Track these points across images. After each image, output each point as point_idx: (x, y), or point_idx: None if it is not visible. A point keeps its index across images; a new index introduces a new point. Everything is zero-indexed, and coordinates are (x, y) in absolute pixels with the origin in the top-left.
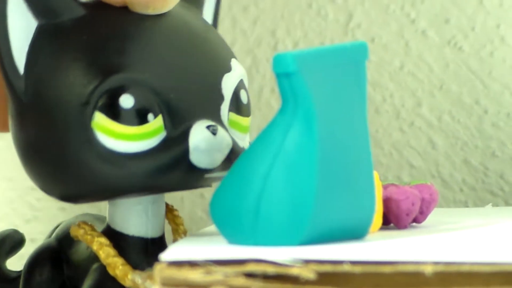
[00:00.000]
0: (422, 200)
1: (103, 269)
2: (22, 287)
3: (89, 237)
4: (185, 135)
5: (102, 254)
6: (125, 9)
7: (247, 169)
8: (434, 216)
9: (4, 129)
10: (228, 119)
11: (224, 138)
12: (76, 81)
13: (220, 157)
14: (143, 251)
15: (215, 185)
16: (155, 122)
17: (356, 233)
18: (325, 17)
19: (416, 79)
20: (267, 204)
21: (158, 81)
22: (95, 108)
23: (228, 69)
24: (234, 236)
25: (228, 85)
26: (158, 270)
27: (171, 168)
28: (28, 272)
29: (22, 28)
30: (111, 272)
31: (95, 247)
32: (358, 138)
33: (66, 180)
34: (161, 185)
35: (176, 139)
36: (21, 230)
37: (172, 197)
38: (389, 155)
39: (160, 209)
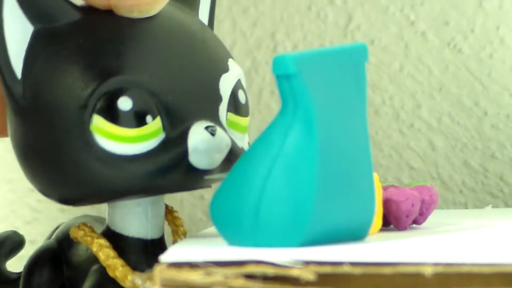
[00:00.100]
0: (422, 201)
1: (103, 270)
2: None
3: (88, 238)
4: (184, 136)
5: (101, 256)
6: None
7: (247, 170)
8: (434, 217)
9: (3, 133)
10: (226, 119)
11: (223, 138)
12: (74, 84)
13: (219, 158)
14: (143, 253)
15: (215, 187)
16: (154, 124)
17: (356, 235)
18: (325, 19)
19: (416, 81)
20: (267, 206)
21: (156, 82)
22: (93, 111)
23: (225, 69)
24: (234, 237)
25: (225, 85)
26: (158, 271)
27: (170, 170)
28: (28, 273)
29: (18, 32)
30: (111, 273)
31: (94, 248)
32: (358, 139)
33: (65, 183)
34: (161, 187)
35: (175, 141)
36: (21, 232)
37: (172, 199)
38: (389, 157)
39: (159, 210)
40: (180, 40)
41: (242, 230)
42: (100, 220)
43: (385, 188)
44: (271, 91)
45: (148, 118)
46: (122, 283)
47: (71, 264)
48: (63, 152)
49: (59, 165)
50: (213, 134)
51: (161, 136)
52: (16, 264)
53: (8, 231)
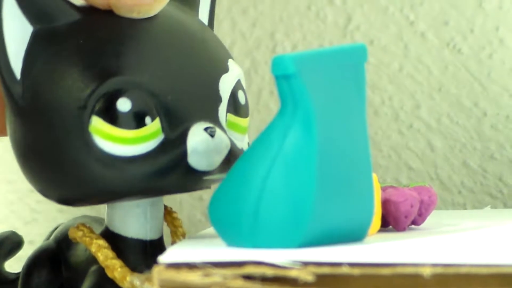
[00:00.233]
0: (421, 202)
1: (101, 271)
2: None
3: (87, 239)
4: (183, 138)
5: (100, 256)
6: None
7: (246, 171)
8: (433, 218)
9: (2, 133)
10: (226, 120)
11: (222, 139)
12: (73, 85)
13: (218, 159)
14: (142, 253)
15: (214, 187)
16: (153, 125)
17: (355, 235)
18: (324, 20)
19: (415, 81)
20: (266, 206)
21: (156, 83)
22: (92, 112)
23: (225, 69)
24: (232, 238)
25: (225, 86)
26: (157, 272)
27: (169, 171)
28: (26, 274)
29: (17, 32)
30: (109, 274)
31: (93, 249)
32: (357, 140)
33: (64, 183)
34: (160, 188)
35: (174, 142)
36: (20, 232)
37: (171, 200)
38: (388, 157)
39: (159, 211)
40: (180, 40)
41: (241, 231)
42: (99, 220)
43: (384, 189)
44: (270, 91)
45: (147, 119)
46: (120, 284)
47: (70, 264)
48: (62, 153)
49: (58, 165)
50: (212, 135)
51: (160, 137)
52: (14, 265)
53: (7, 232)
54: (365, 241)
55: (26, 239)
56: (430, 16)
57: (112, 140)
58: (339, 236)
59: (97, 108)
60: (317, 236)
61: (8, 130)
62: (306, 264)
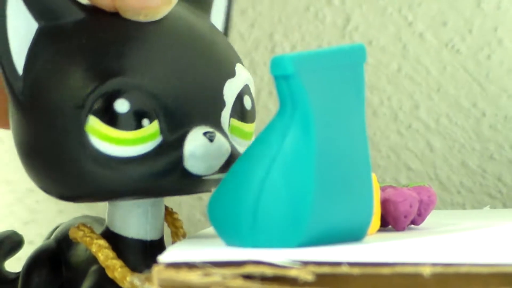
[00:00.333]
0: (420, 202)
1: (101, 271)
2: None
3: (88, 239)
4: (181, 141)
5: (101, 256)
6: None
7: (245, 171)
8: (432, 218)
9: (5, 126)
10: (229, 125)
11: (222, 145)
12: (74, 84)
13: (216, 164)
14: (142, 254)
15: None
16: (151, 127)
17: (354, 235)
18: (323, 20)
19: (414, 82)
20: (265, 206)
21: (157, 85)
22: (89, 112)
23: (231, 74)
24: (232, 238)
25: (230, 90)
26: (156, 271)
27: (166, 174)
28: (26, 273)
29: (22, 28)
30: (109, 274)
31: (94, 249)
32: (356, 140)
33: (63, 180)
34: (156, 190)
35: (172, 145)
36: (19, 233)
37: (170, 200)
38: (387, 158)
39: (159, 211)
40: (187, 42)
41: (240, 231)
42: (99, 220)
43: (383, 189)
44: (269, 92)
45: (145, 121)
46: (121, 284)
47: (70, 264)
48: (60, 151)
49: (57, 163)
50: (211, 140)
51: (158, 139)
52: (14, 265)
53: (7, 231)
54: (365, 241)
55: (25, 239)
56: (428, 17)
57: (109, 140)
58: (339, 236)
59: (94, 108)
60: (317, 235)
61: (11, 124)
62: (305, 263)
